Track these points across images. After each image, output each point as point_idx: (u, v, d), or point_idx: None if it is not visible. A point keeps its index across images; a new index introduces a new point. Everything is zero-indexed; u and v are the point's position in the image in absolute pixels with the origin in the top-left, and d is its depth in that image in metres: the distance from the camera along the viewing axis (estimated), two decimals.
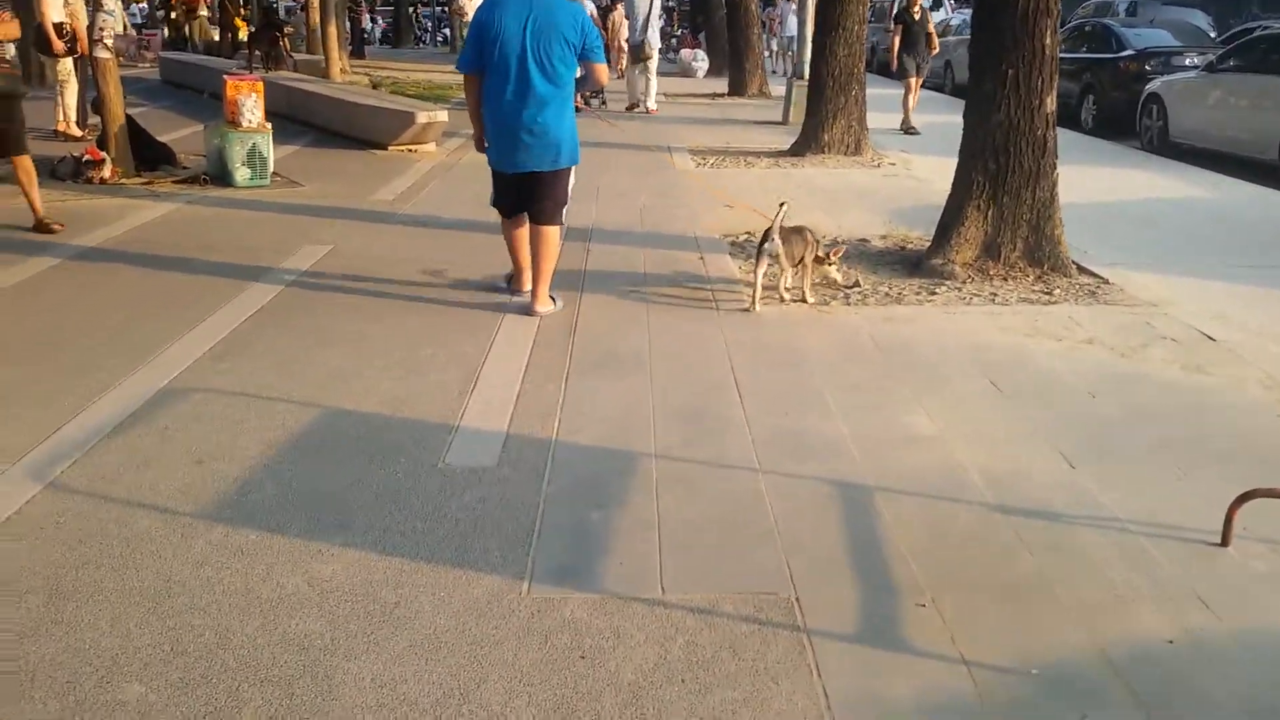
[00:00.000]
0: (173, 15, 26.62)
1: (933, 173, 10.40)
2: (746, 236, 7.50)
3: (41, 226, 7.17)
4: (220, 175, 9.17)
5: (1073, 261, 6.46)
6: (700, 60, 23.20)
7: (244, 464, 3.76)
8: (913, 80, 13.79)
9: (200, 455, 3.83)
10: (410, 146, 11.23)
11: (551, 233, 5.59)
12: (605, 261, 6.75)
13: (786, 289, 5.94)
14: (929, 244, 7.01)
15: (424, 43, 39.08)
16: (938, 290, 6.07)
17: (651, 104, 15.86)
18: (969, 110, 6.50)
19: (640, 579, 3.04)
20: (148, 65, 22.18)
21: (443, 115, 11.18)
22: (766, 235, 5.65)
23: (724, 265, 6.66)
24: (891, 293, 6.06)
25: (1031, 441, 4.04)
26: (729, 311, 5.72)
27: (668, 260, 6.83)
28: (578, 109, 6.74)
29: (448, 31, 35.77)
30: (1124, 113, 14.29)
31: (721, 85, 19.46)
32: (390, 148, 11.22)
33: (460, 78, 5.82)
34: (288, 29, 15.98)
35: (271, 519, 3.37)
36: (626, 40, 16.74)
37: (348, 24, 28.92)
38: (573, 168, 5.61)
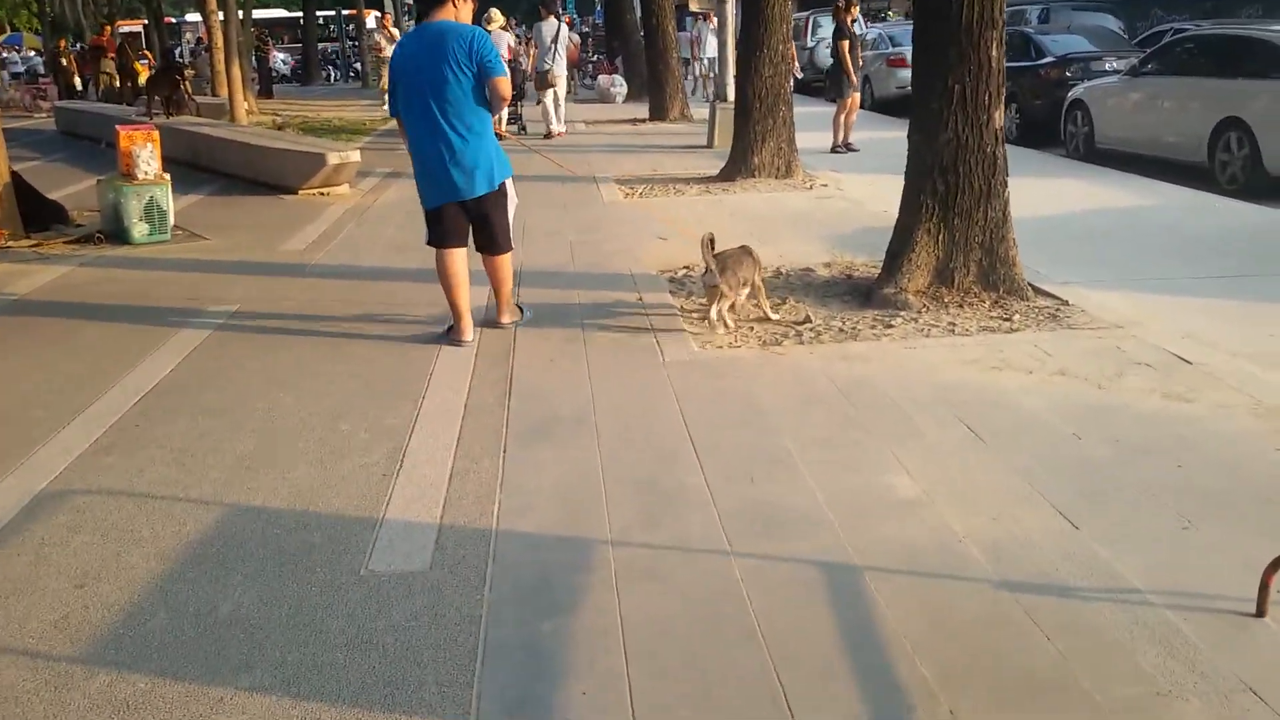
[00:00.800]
0: (63, 62, 25.64)
1: (866, 192, 10.15)
2: (685, 271, 7.10)
3: None
4: (117, 232, 8.54)
5: (1028, 283, 6.15)
6: (619, 86, 22.88)
7: (132, 585, 3.22)
8: (854, 96, 13.43)
9: (81, 577, 3.28)
10: (322, 190, 10.67)
11: (503, 261, 5.72)
12: (538, 308, 6.28)
13: (733, 318, 5.76)
14: (877, 271, 6.66)
15: (332, 79, 38.27)
16: (893, 322, 5.71)
17: (559, 126, 15.96)
18: (914, 129, 6.17)
19: (608, 708, 2.57)
20: (44, 115, 21.30)
21: (355, 155, 10.64)
22: (706, 268, 5.54)
23: (665, 304, 6.23)
24: (845, 327, 5.68)
25: (1024, 498, 3.65)
26: (676, 356, 5.28)
27: (605, 302, 6.38)
28: (500, 137, 6.73)
29: (359, 66, 35.06)
30: (1047, 120, 14.22)
31: (642, 110, 19.14)
32: (301, 192, 10.65)
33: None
34: (189, 71, 15.28)
35: (164, 658, 2.84)
36: (534, 68, 16.90)
37: (254, 63, 28.19)
38: (508, 180, 5.65)
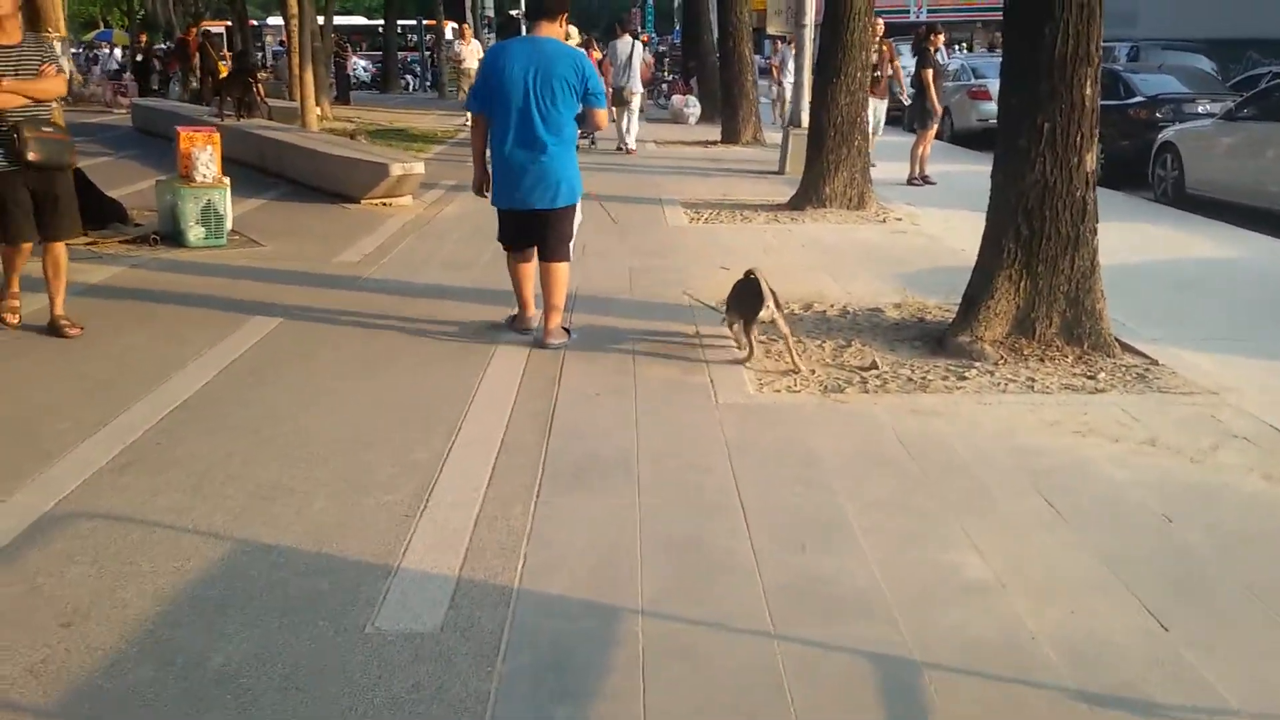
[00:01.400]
0: (138, 59, 26.00)
1: (943, 228, 9.74)
2: None
3: (55, 327, 5.84)
4: (173, 234, 8.43)
5: (1115, 338, 5.73)
6: (692, 106, 22.61)
7: (121, 628, 2.96)
8: (933, 128, 13.05)
9: (70, 614, 3.04)
10: (384, 200, 10.52)
11: (560, 269, 5.80)
12: (588, 337, 5.99)
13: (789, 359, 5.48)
14: (951, 316, 6.27)
15: (411, 88, 38.57)
16: (967, 374, 5.32)
17: (631, 144, 16.33)
18: (998, 169, 5.79)
19: None
20: (122, 111, 21.61)
21: (419, 167, 10.48)
22: (761, 301, 5.38)
23: (723, 338, 5.90)
24: (915, 376, 5.31)
25: (1107, 589, 3.26)
26: (730, 399, 4.96)
27: (660, 333, 6.07)
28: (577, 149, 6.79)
29: (435, 76, 35.29)
30: (1134, 162, 13.66)
31: (714, 132, 18.85)
32: (364, 201, 10.50)
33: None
34: (262, 74, 15.31)
35: (143, 718, 2.57)
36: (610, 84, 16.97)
37: (333, 69, 28.42)
38: (578, 204, 5.85)
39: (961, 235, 9.33)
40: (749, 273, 5.57)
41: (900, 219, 10.29)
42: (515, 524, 3.62)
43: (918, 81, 12.93)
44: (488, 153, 5.79)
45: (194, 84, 21.92)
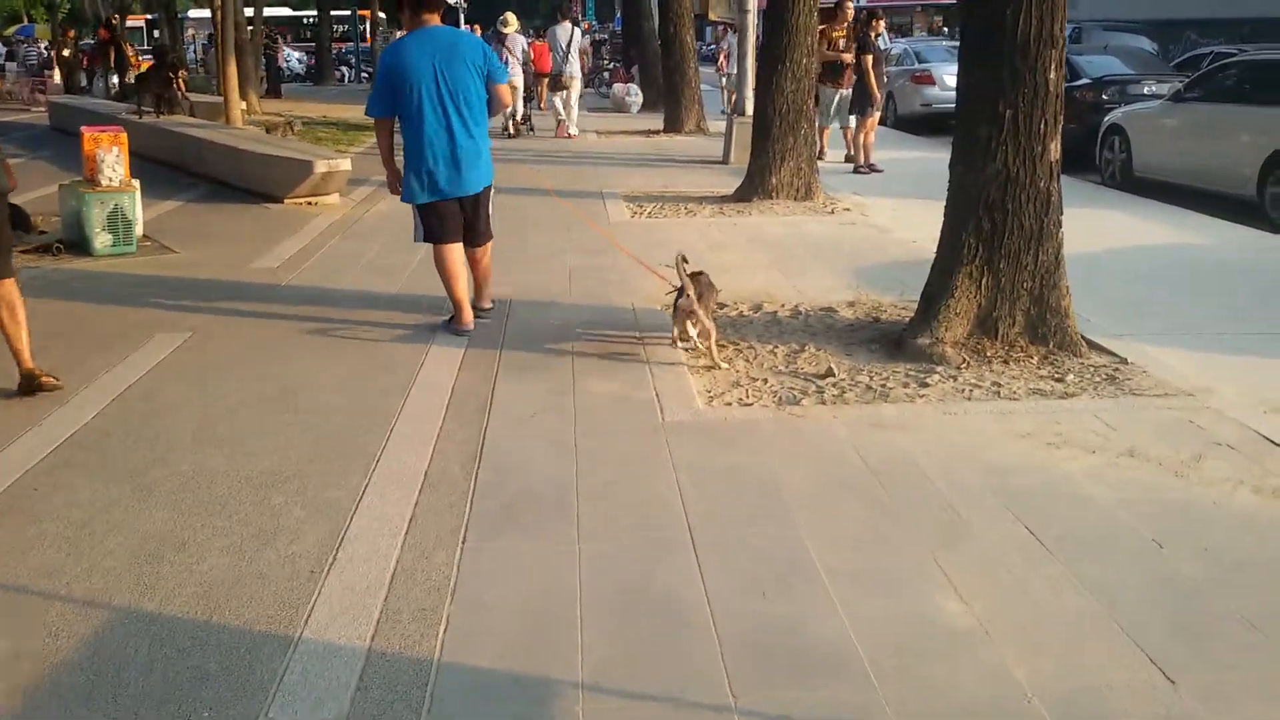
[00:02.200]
0: (64, 53, 24.96)
1: (891, 218, 9.43)
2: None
3: (31, 383, 4.75)
4: (78, 242, 7.86)
5: (1081, 336, 5.42)
6: (634, 95, 22.18)
7: None
8: (874, 115, 12.69)
9: None
10: (309, 199, 9.98)
11: (489, 247, 6.05)
12: (524, 347, 5.57)
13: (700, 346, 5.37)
14: (908, 314, 5.94)
15: (346, 79, 37.65)
16: (929, 380, 4.97)
17: (572, 129, 16.72)
18: (957, 159, 5.44)
19: None
20: (40, 110, 20.70)
21: (345, 164, 9.95)
22: (680, 290, 5.24)
23: (670, 354, 5.50)
24: (874, 384, 4.95)
25: (1103, 631, 2.92)
26: (677, 416, 4.56)
27: (602, 339, 5.66)
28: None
29: (371, 70, 34.46)
30: (1080, 145, 13.46)
31: (657, 121, 18.43)
32: (287, 201, 9.96)
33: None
34: (182, 71, 14.59)
35: None
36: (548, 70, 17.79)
37: (263, 61, 27.56)
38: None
39: (911, 225, 9.04)
40: (678, 258, 5.32)
41: (849, 209, 9.95)
42: (437, 577, 3.19)
43: (857, 68, 12.56)
44: (398, 154, 5.77)
45: (113, 81, 21.01)
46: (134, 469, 4.01)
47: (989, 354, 5.25)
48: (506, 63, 17.60)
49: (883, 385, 4.93)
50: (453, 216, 5.74)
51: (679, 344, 5.50)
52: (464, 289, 5.82)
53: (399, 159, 5.78)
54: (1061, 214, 5.37)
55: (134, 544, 3.41)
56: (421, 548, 3.37)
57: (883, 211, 9.84)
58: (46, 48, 33.72)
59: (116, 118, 13.85)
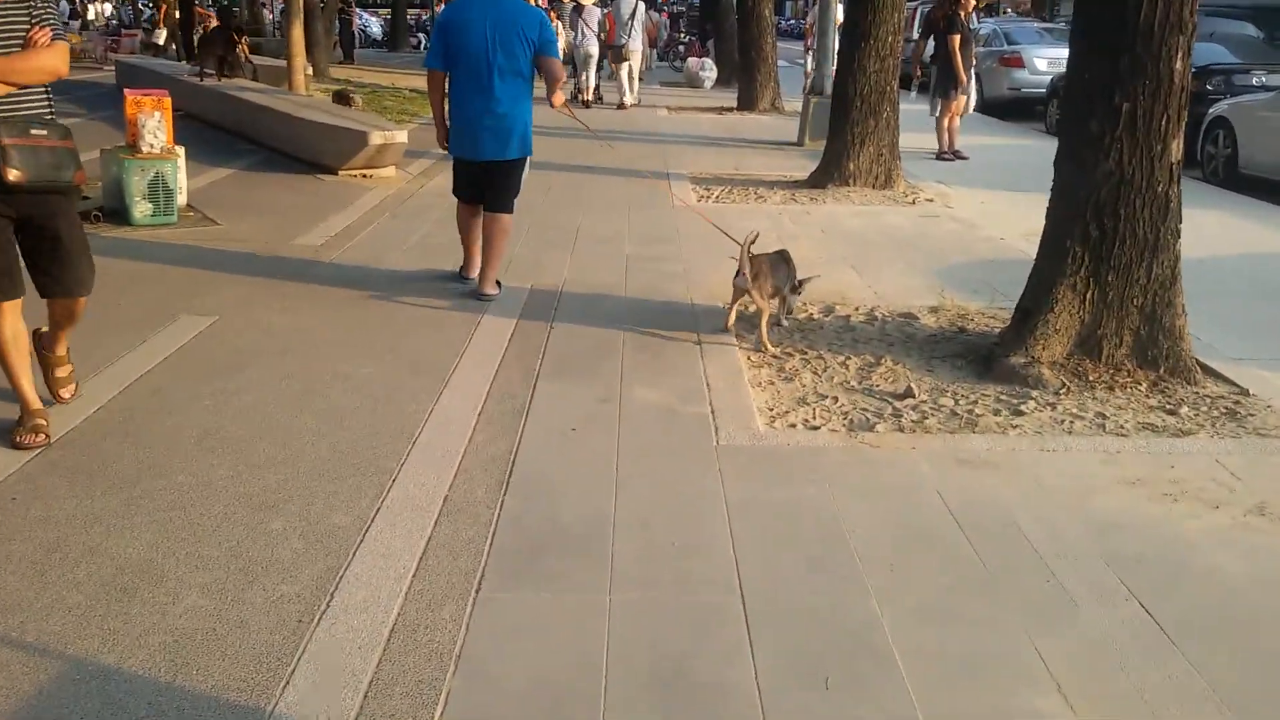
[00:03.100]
0: (145, 11, 24.86)
1: (977, 211, 8.79)
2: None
3: (28, 427, 3.86)
4: (118, 210, 7.52)
5: (1197, 361, 4.79)
6: (708, 70, 21.55)
7: None
8: (959, 99, 11.73)
9: None
10: (364, 171, 9.59)
11: (505, 219, 5.91)
12: (569, 348, 5.10)
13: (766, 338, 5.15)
14: (996, 325, 5.38)
15: (422, 46, 37.38)
16: (1024, 406, 4.39)
17: (630, 99, 17.09)
18: (1063, 158, 4.83)
19: None
20: (111, 69, 20.63)
21: (401, 136, 9.52)
22: (739, 270, 5.12)
23: (730, 361, 4.98)
24: (960, 409, 4.39)
25: None
26: (734, 439, 4.05)
27: (653, 348, 5.16)
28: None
29: None
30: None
31: (730, 98, 17.83)
32: (341, 173, 9.57)
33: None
34: (245, 35, 14.29)
35: None
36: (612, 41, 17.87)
37: (337, 26, 27.34)
38: (527, 159, 5.94)
39: (1000, 220, 8.41)
40: (748, 239, 5.18)
41: (931, 200, 9.31)
42: (441, 638, 2.72)
43: (944, 49, 11.74)
44: (447, 107, 5.91)
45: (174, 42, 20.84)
46: (125, 478, 3.60)
47: (1091, 378, 4.65)
48: (583, 35, 17.28)
49: (970, 411, 4.36)
50: (471, 178, 5.90)
51: (730, 328, 5.31)
52: (474, 244, 6.07)
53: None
54: (1180, 222, 4.74)
55: (107, 575, 3.00)
56: (428, 597, 2.91)
57: (968, 203, 9.18)
58: (118, 5, 33.87)
59: (177, 79, 13.65)
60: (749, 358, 5.03)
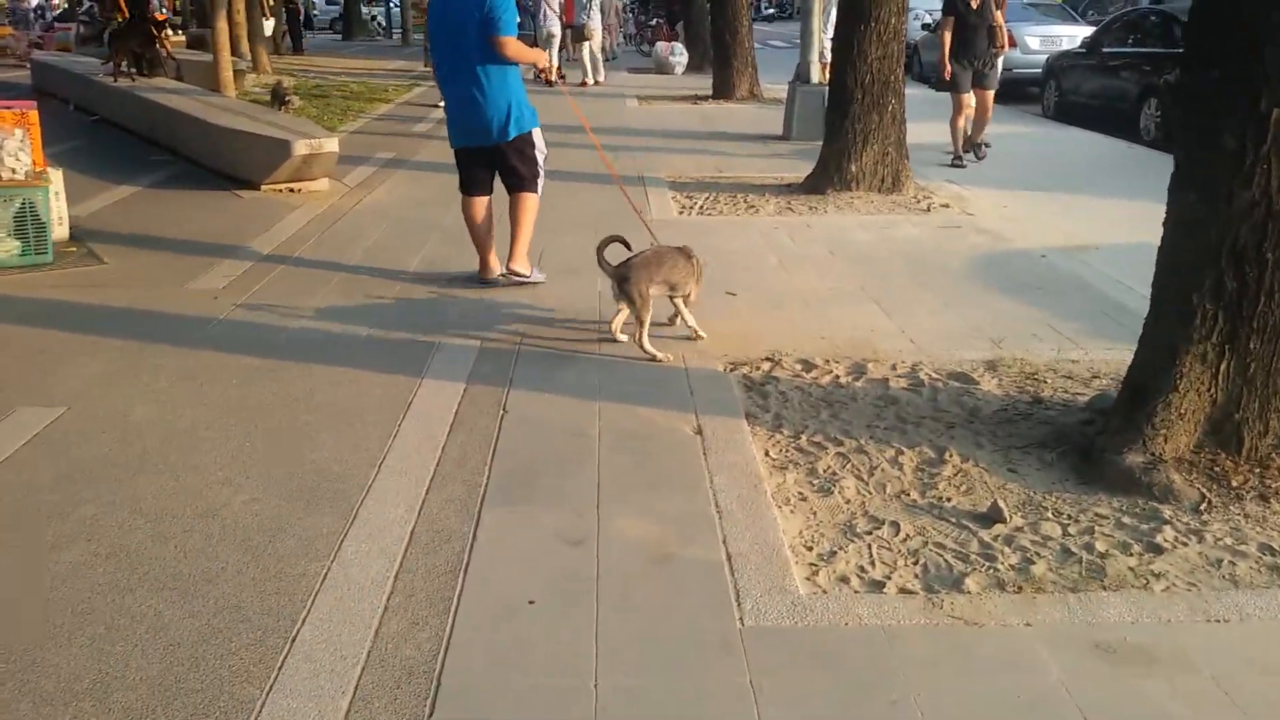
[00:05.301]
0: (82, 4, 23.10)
1: (1002, 219, 7.61)
2: (771, 365, 4.61)
3: None
4: None
5: None
6: (679, 55, 20.23)
7: None
8: (971, 95, 9.83)
9: None
10: (290, 185, 8.24)
11: (524, 198, 5.76)
12: (527, 444, 3.83)
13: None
14: (1079, 393, 4.17)
15: (381, 35, 35.79)
16: (1159, 537, 3.17)
17: (591, 78, 17.48)
18: (1183, 184, 3.58)
19: None
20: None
21: (332, 145, 8.18)
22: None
23: (742, 458, 3.73)
24: (1074, 543, 3.15)
25: None
26: (762, 608, 2.81)
27: (639, 442, 3.89)
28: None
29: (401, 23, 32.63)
30: None
31: (703, 84, 16.55)
32: (264, 188, 8.23)
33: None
34: (166, 29, 12.78)
35: None
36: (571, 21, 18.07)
37: (284, 14, 25.77)
38: (535, 130, 5.71)
39: (1028, 228, 7.24)
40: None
41: (946, 205, 8.09)
42: None
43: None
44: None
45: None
46: None
47: (1234, 482, 3.43)
48: (544, 16, 16.07)
49: (1088, 546, 3.13)
50: (475, 166, 5.72)
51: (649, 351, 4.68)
52: (483, 240, 5.80)
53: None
54: None
55: None
56: None
57: (988, 208, 7.98)
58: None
59: (91, 79, 12.21)
60: (767, 452, 3.78)
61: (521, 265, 5.77)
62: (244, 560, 3.04)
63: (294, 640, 2.65)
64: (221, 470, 3.62)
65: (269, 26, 26.25)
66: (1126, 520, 3.26)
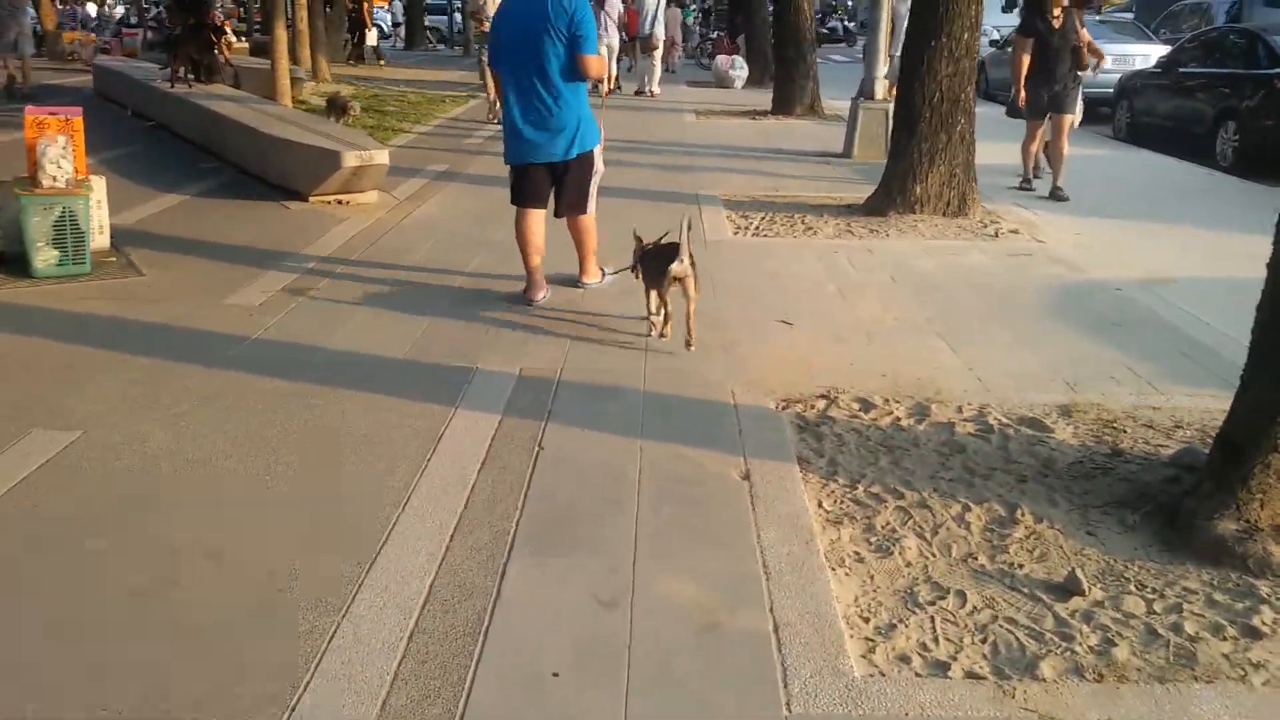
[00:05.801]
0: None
1: (1075, 247, 7.25)
2: (826, 403, 4.31)
3: None
4: (18, 257, 6.06)
5: None
6: (739, 69, 19.96)
7: None
8: (1043, 121, 9.08)
9: None
10: (339, 197, 8.09)
11: (583, 220, 5.72)
12: (561, 487, 3.58)
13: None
14: (1161, 444, 3.82)
15: (442, 44, 35.93)
16: (1256, 619, 2.83)
17: (654, 88, 17.87)
18: None
19: None
20: None
21: (381, 157, 8.02)
22: (676, 254, 4.75)
23: (793, 510, 3.44)
24: (1160, 622, 2.82)
25: None
26: (813, 707, 2.51)
27: (682, 489, 3.61)
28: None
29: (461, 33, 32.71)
30: (1277, 145, 11.01)
31: (763, 99, 16.25)
32: (312, 198, 8.09)
33: None
34: (225, 35, 12.78)
35: None
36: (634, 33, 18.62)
37: (345, 23, 25.87)
38: (596, 148, 5.64)
39: (1104, 258, 6.88)
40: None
41: (1015, 231, 7.73)
42: None
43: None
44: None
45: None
46: None
47: None
48: (605, 27, 15.93)
49: (1175, 627, 2.80)
50: (533, 181, 5.57)
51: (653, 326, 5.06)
52: (536, 259, 5.64)
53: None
54: None
55: None
56: None
57: (1060, 236, 7.60)
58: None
59: (149, 85, 12.24)
60: (821, 503, 3.49)
61: (592, 277, 5.90)
62: (251, 610, 2.82)
63: (293, 711, 2.41)
64: (236, 507, 3.41)
65: (372, 36, 26.57)
66: (1218, 597, 2.93)
